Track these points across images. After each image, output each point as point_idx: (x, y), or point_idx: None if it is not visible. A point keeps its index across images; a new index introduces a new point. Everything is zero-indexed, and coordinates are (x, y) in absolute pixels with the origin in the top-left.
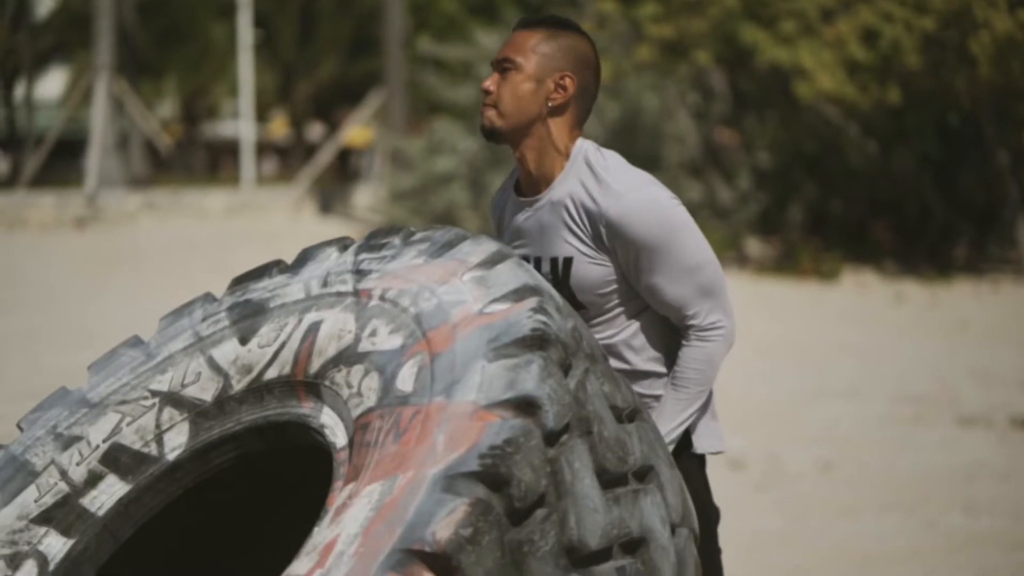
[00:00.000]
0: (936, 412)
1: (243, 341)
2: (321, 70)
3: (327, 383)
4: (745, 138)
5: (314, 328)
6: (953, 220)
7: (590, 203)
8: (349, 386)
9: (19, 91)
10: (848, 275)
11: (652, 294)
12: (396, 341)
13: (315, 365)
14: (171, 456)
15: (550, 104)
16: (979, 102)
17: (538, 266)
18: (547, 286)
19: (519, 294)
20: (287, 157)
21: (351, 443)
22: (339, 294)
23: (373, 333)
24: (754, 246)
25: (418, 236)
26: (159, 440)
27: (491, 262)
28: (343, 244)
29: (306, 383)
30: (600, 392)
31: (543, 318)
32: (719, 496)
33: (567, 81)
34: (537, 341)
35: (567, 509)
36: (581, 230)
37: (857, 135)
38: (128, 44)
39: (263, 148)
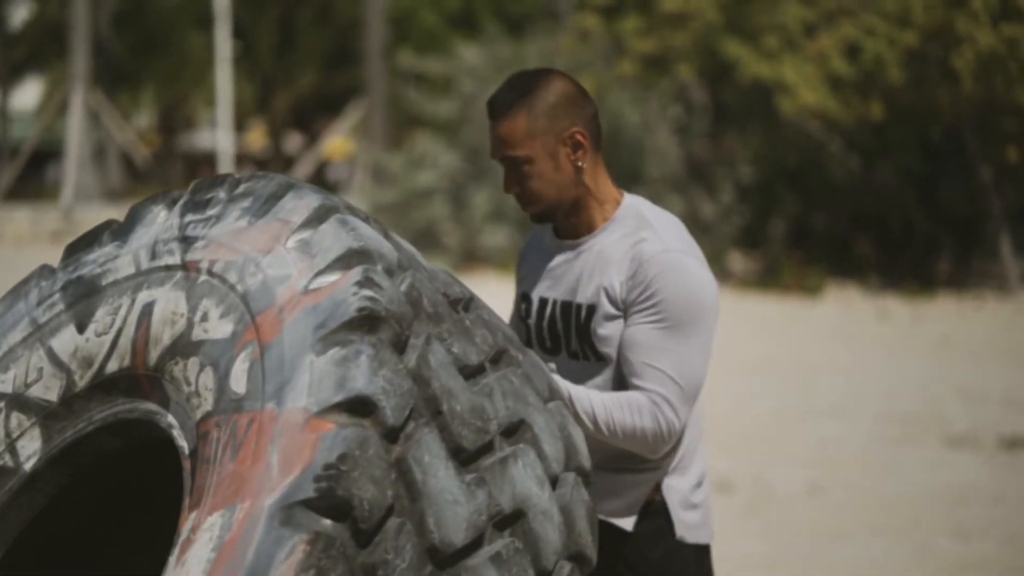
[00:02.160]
0: (923, 432)
1: (80, 328)
2: (300, 81)
3: (167, 378)
4: (727, 152)
5: (147, 311)
6: (936, 235)
7: (636, 248)
8: (187, 383)
9: None
10: (831, 290)
11: (630, 344)
12: (227, 328)
13: (153, 356)
14: (28, 466)
15: (579, 165)
16: (962, 117)
17: (553, 309)
18: (375, 241)
19: (344, 262)
20: (265, 168)
21: (194, 454)
22: (168, 268)
23: (204, 317)
24: (737, 261)
25: (242, 189)
26: (12, 450)
27: (315, 220)
28: (171, 199)
29: (148, 376)
30: (447, 359)
31: (369, 292)
32: None
33: (578, 137)
34: (365, 322)
35: (423, 511)
36: (617, 276)
37: (840, 150)
38: (104, 54)
39: (241, 159)
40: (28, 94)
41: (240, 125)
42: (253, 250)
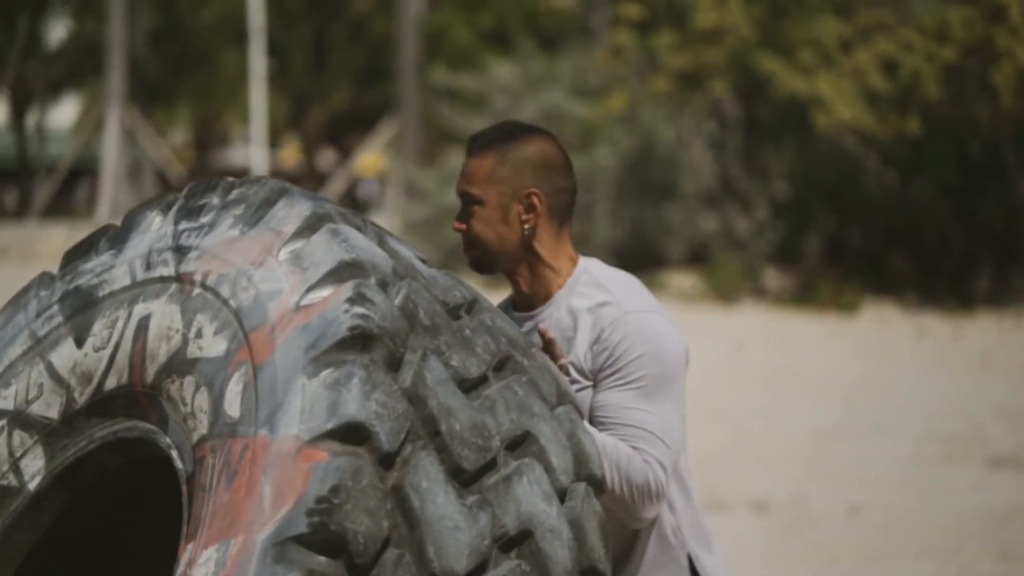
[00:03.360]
0: (965, 452)
1: (79, 342)
2: (333, 98)
3: (164, 397)
4: (762, 168)
5: (143, 325)
6: (974, 251)
7: (597, 313)
8: (184, 403)
9: (31, 120)
10: (868, 307)
11: (604, 408)
12: (221, 346)
13: (150, 373)
14: (32, 485)
15: (526, 228)
16: (1000, 132)
17: None
18: (368, 251)
19: (336, 276)
20: (299, 185)
21: (191, 479)
22: (163, 279)
23: (199, 334)
24: (772, 277)
25: (234, 195)
26: (16, 469)
27: (306, 230)
28: (166, 204)
29: (146, 394)
30: (445, 375)
31: (361, 309)
32: (743, 541)
33: (534, 200)
34: (357, 342)
35: (422, 540)
36: (581, 347)
37: (876, 165)
38: (140, 72)
39: (275, 176)
40: (66, 112)
41: (274, 141)
42: (245, 262)
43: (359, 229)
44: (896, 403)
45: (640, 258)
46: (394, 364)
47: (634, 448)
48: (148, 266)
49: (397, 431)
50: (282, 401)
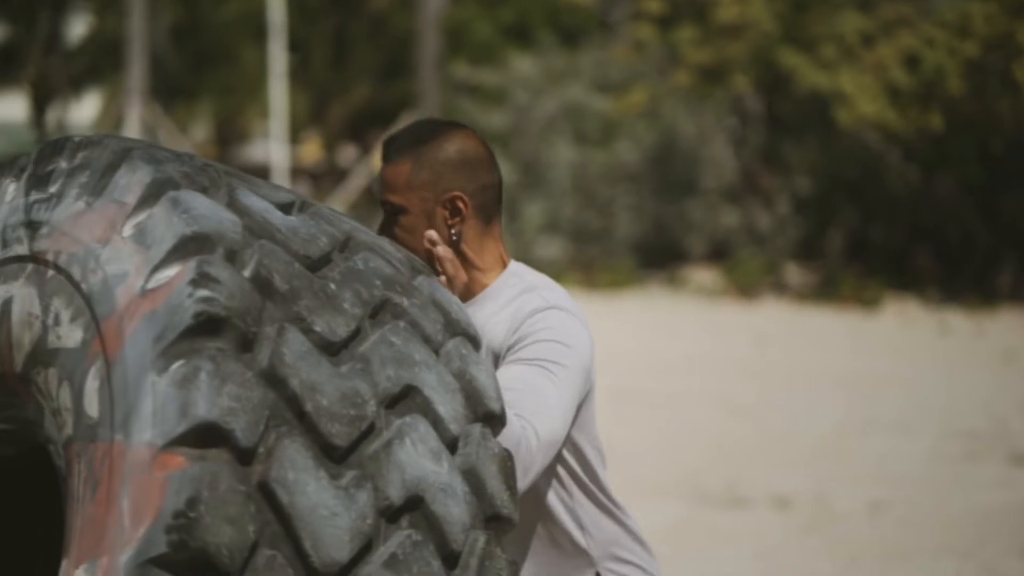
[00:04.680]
0: (988, 449)
1: None
2: (354, 94)
3: (35, 388)
4: (783, 164)
5: (7, 310)
6: (997, 247)
7: (519, 305)
8: (51, 397)
9: (52, 116)
10: (890, 303)
11: (499, 377)
12: (77, 335)
13: (18, 362)
14: None
15: (453, 233)
16: (1023, 127)
17: None
18: (213, 219)
19: (179, 253)
20: (319, 181)
21: (65, 482)
22: (19, 259)
23: (57, 321)
24: (793, 273)
25: (79, 159)
26: None
27: (149, 200)
28: (19, 168)
29: (21, 382)
30: (307, 345)
31: (206, 292)
32: (764, 537)
33: (459, 203)
34: (204, 329)
35: (297, 535)
36: (505, 342)
37: (898, 161)
38: (161, 68)
39: (296, 172)
40: (87, 108)
41: (294, 137)
42: (92, 240)
43: (206, 190)
44: (918, 400)
45: (661, 254)
46: (247, 345)
47: (516, 415)
48: (4, 244)
49: (255, 423)
50: (135, 402)
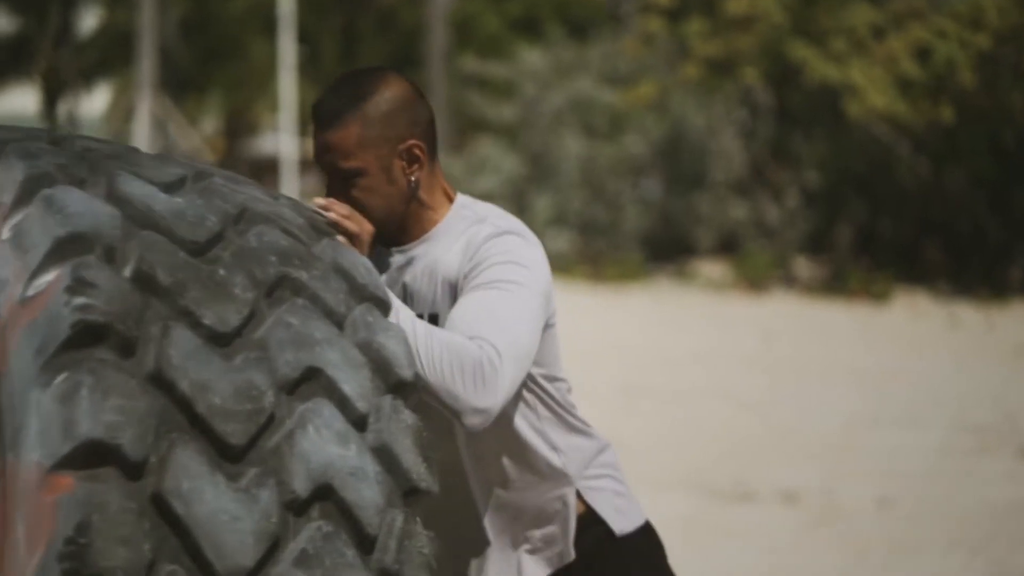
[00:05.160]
0: (998, 443)
1: None
2: None
3: None
4: (793, 156)
5: None
6: (1008, 240)
7: (471, 235)
8: None
9: (63, 108)
10: (900, 297)
11: (455, 314)
12: None
13: None
14: None
15: (412, 180)
16: None
17: None
18: (88, 216)
19: (55, 257)
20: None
21: None
22: None
23: None
24: (802, 266)
25: None
26: None
27: (25, 199)
28: None
29: None
30: (195, 341)
31: (83, 299)
32: (772, 532)
33: (415, 151)
34: (83, 339)
35: (197, 545)
36: (459, 273)
37: (908, 154)
38: (171, 61)
39: (306, 164)
40: (98, 101)
41: (304, 130)
42: None
43: (83, 182)
44: (928, 393)
45: (669, 247)
46: (131, 350)
47: (471, 338)
48: None
49: (143, 434)
50: (22, 419)
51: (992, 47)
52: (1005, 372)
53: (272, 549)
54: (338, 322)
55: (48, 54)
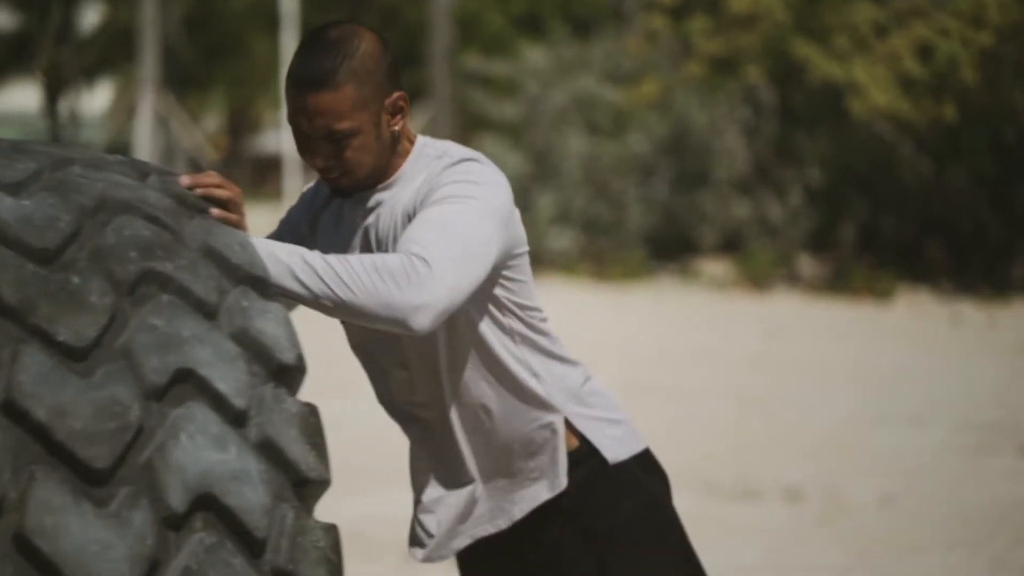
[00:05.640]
0: (1000, 441)
1: None
2: None
3: None
4: (796, 155)
5: None
6: (1009, 238)
7: (429, 166)
8: None
9: (65, 105)
10: (903, 295)
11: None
12: None
13: None
14: None
15: (395, 130)
16: None
17: None
18: None
19: None
20: None
21: None
22: None
23: None
24: (805, 264)
25: None
26: None
27: None
28: None
29: None
30: (49, 363)
31: None
32: (776, 530)
33: (400, 103)
34: None
35: None
36: (409, 195)
37: (911, 152)
38: (173, 58)
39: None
40: (99, 98)
41: None
42: None
43: None
44: (931, 391)
45: (672, 245)
46: None
47: (398, 252)
48: None
49: None
50: None
51: (994, 45)
52: (1008, 370)
53: (151, 572)
54: (210, 313)
55: (50, 51)
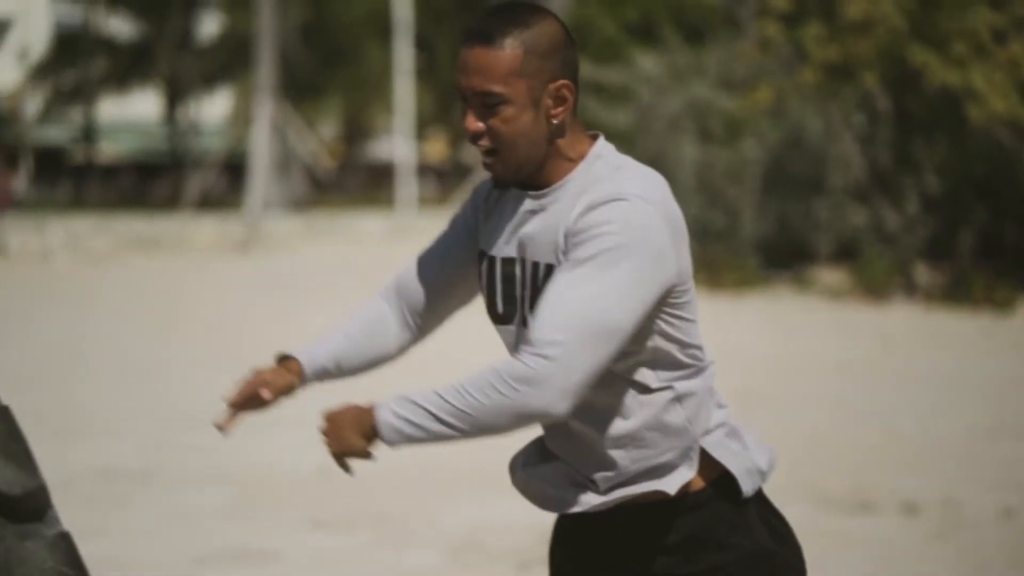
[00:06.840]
0: None
1: None
2: None
3: None
4: (913, 162)
5: None
6: None
7: (587, 195)
8: None
9: (184, 113)
10: (1022, 304)
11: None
12: None
13: None
14: None
15: (555, 123)
16: None
17: (508, 269)
18: None
19: None
20: (444, 178)
21: None
22: None
23: None
24: (923, 273)
25: None
26: None
27: None
28: None
29: None
30: None
31: None
32: (892, 543)
33: (565, 91)
34: None
35: None
36: (564, 231)
37: None
38: (290, 66)
39: (422, 169)
40: (219, 105)
41: (420, 134)
42: None
43: None
44: None
45: (787, 253)
46: None
47: (531, 345)
48: None
49: None
50: None
51: None
52: None
53: None
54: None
55: (170, 59)
